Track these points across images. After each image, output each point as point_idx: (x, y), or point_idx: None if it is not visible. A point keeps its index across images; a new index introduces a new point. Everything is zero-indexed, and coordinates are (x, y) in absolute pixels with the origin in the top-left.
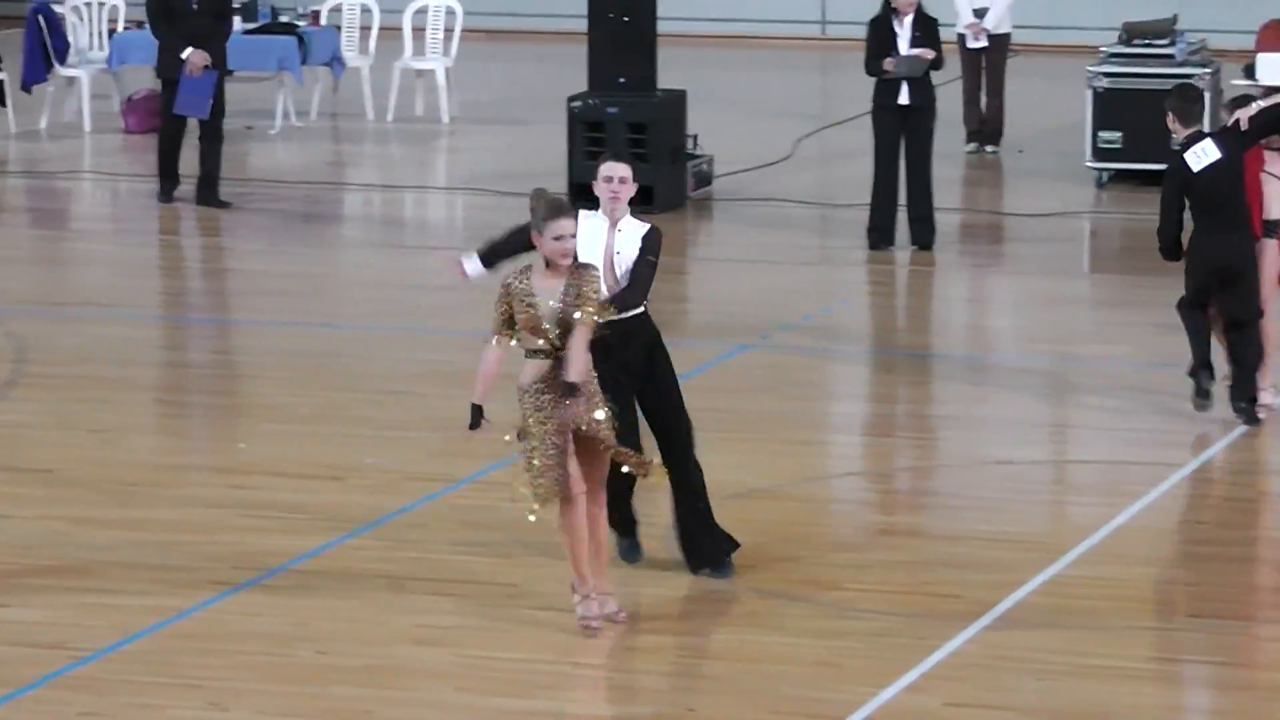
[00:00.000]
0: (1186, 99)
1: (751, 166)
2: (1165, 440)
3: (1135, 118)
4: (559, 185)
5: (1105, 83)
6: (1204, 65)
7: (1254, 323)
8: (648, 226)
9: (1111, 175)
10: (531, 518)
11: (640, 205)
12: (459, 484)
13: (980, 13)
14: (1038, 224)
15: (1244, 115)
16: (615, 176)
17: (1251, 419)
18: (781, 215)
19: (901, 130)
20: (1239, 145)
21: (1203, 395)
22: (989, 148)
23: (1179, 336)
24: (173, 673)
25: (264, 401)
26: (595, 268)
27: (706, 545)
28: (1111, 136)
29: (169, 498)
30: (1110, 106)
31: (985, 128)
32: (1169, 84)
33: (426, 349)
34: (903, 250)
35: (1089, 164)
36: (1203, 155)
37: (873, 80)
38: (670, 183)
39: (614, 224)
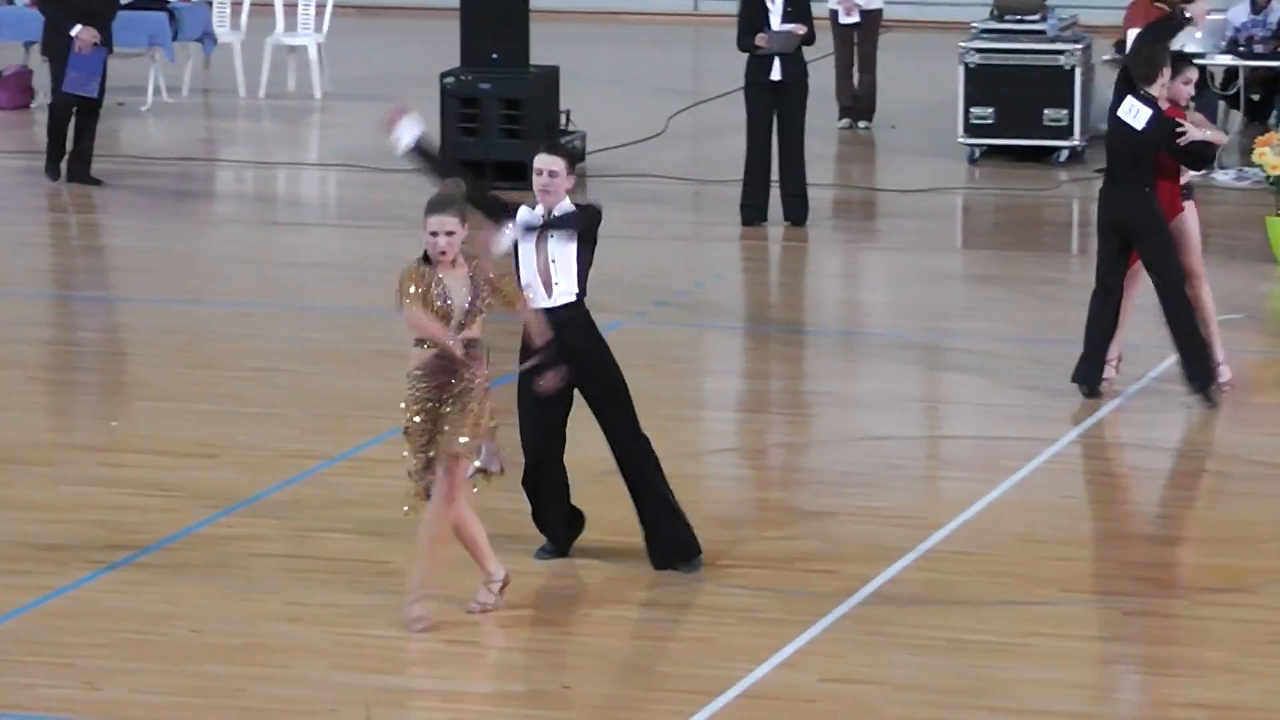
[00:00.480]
0: (1139, 62)
1: (625, 143)
2: (1038, 415)
3: (1007, 93)
4: None
5: (977, 59)
6: (1075, 41)
7: (1178, 284)
8: (574, 207)
9: (983, 151)
10: (405, 508)
11: (515, 181)
12: (332, 461)
13: None
14: (910, 200)
15: (1193, 134)
16: (545, 170)
17: (1211, 399)
18: (655, 191)
19: (774, 106)
20: (1162, 138)
21: (1089, 395)
22: (862, 123)
23: (1051, 310)
24: (45, 651)
25: (137, 379)
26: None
27: (666, 541)
28: (983, 112)
29: (41, 475)
30: (982, 82)
31: (858, 104)
32: (1040, 60)
33: (299, 326)
34: (776, 226)
35: (961, 140)
36: (1132, 112)
37: (745, 56)
38: None
39: (547, 213)
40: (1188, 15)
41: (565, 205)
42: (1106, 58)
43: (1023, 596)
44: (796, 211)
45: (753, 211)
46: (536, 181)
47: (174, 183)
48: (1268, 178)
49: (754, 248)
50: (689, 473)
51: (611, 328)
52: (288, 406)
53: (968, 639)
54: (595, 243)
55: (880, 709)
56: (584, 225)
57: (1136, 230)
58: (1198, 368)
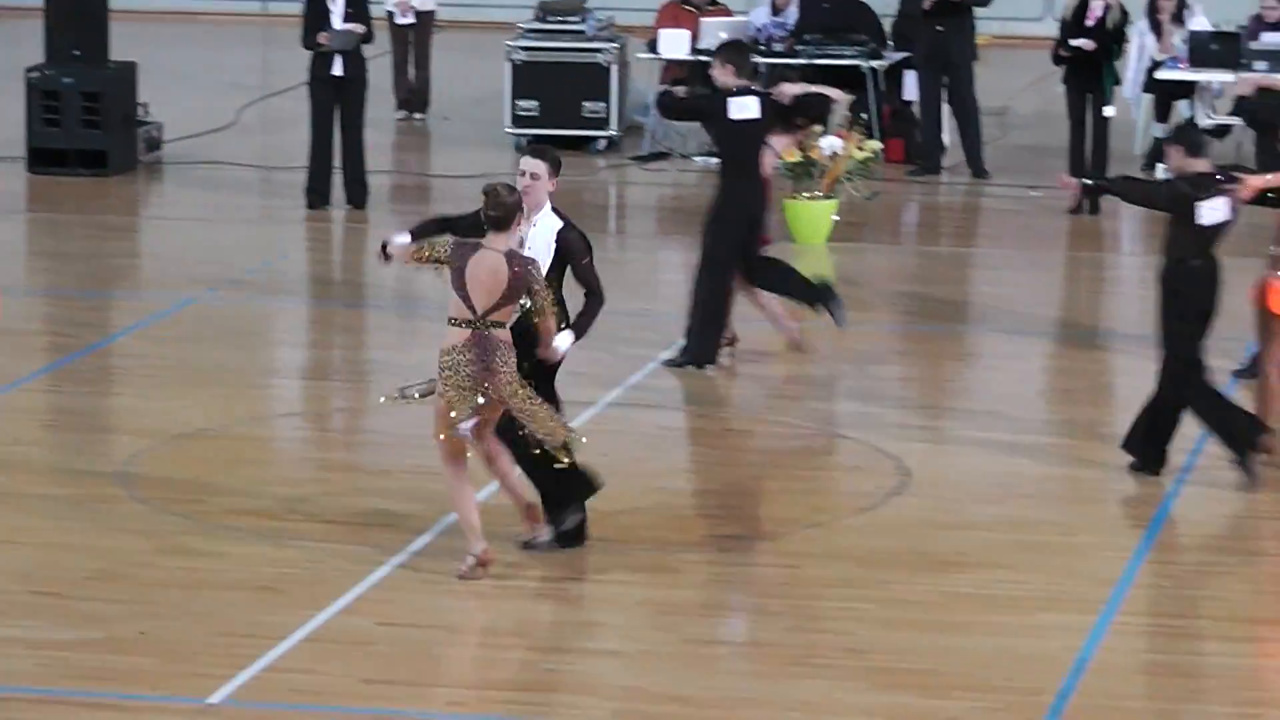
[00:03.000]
0: (739, 54)
1: (198, 133)
2: (584, 379)
3: (550, 88)
4: (17, 151)
5: (522, 56)
6: (611, 40)
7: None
8: (560, 224)
9: (529, 140)
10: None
11: (94, 169)
12: None
13: None
14: (462, 184)
15: (787, 89)
16: (528, 172)
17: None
18: (226, 177)
19: (336, 100)
20: (774, 110)
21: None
22: (417, 115)
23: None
24: None
25: None
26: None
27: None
28: (529, 105)
29: None
30: (527, 78)
31: (413, 97)
32: (580, 58)
33: None
34: (339, 209)
35: (508, 130)
36: (743, 109)
37: (309, 53)
38: (122, 148)
39: (527, 216)
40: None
41: (548, 211)
42: (641, 55)
43: (589, 545)
44: (357, 196)
45: (317, 196)
46: (519, 182)
47: None
48: (783, 165)
49: (318, 229)
50: (259, 436)
51: (187, 303)
52: None
53: (510, 585)
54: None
55: (432, 649)
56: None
57: (758, 219)
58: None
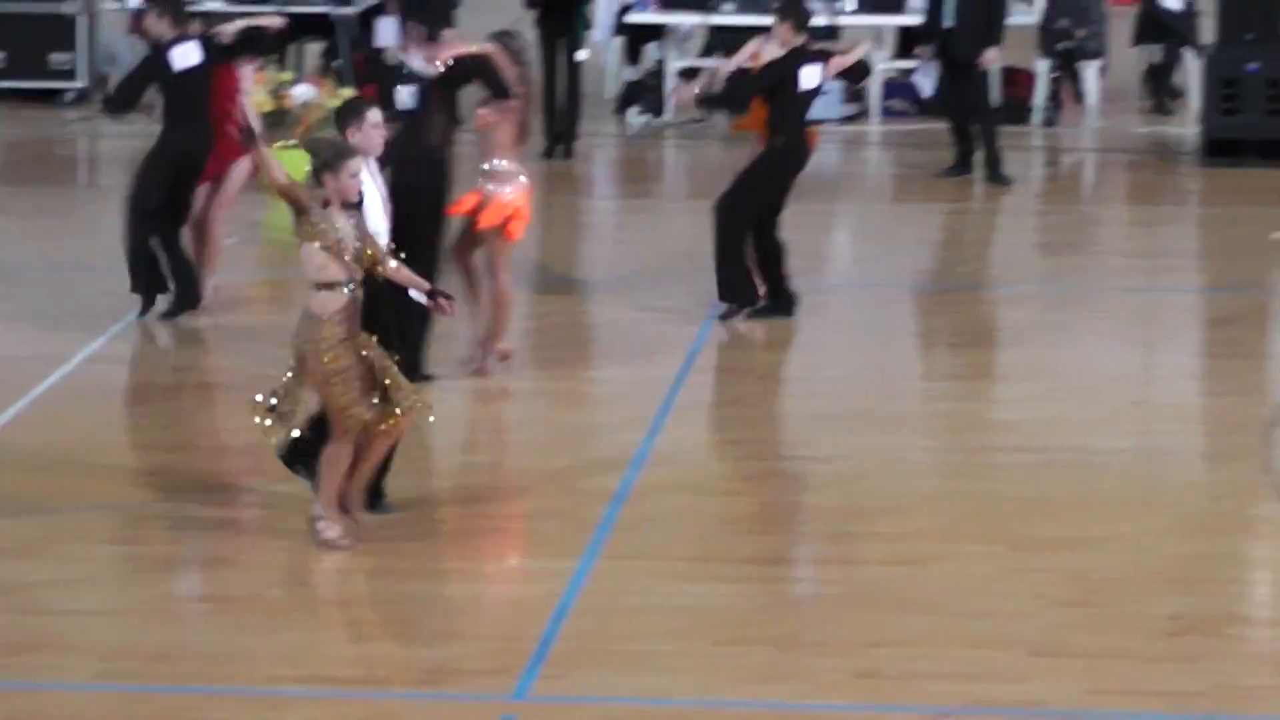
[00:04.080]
0: (172, 3)
1: None
2: (62, 333)
3: (15, 39)
4: None
5: None
6: None
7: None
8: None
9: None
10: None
11: None
12: None
13: None
14: None
15: (229, 29)
16: (380, 124)
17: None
18: None
19: None
20: (218, 53)
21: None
22: None
23: (75, 240)
24: None
25: None
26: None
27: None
28: None
29: None
30: None
31: None
32: (45, 8)
33: None
34: None
35: None
36: (186, 57)
37: None
38: None
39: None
40: None
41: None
42: (110, 6)
43: (59, 505)
44: None
45: None
46: (376, 134)
47: None
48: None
49: None
50: None
51: None
52: None
53: None
54: None
55: None
56: None
57: (199, 163)
58: (180, 290)
